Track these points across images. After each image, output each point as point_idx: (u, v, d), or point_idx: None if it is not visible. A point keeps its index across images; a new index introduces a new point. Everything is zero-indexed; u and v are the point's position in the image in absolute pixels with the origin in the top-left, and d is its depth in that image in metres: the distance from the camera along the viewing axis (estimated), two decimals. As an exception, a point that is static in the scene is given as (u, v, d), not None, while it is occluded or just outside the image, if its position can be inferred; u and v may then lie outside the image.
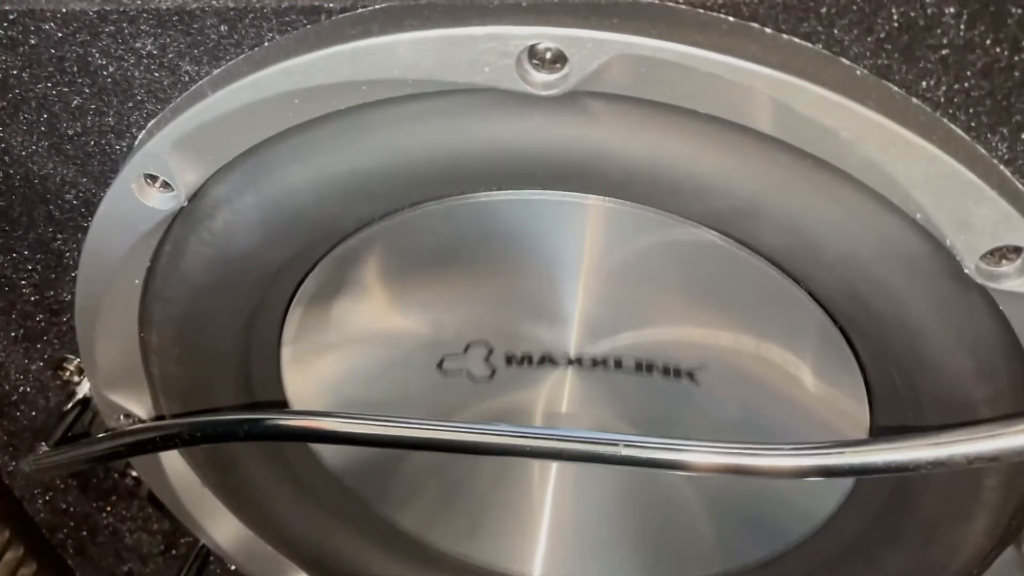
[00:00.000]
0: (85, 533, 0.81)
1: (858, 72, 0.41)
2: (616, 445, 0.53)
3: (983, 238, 0.42)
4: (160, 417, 0.64)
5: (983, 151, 0.43)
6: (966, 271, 0.44)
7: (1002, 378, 0.48)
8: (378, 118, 0.45)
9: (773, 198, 0.43)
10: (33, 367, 0.68)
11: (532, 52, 0.41)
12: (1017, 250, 0.43)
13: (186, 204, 0.51)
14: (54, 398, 0.69)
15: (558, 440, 0.55)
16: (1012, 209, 0.41)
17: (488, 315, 0.62)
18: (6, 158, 0.54)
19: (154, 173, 0.49)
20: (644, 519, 0.67)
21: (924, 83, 0.41)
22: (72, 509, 0.79)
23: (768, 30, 0.41)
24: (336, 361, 0.65)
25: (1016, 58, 0.39)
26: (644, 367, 0.63)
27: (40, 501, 0.77)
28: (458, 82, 0.42)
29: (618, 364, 0.63)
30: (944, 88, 0.41)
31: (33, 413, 0.70)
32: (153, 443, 0.60)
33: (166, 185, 0.50)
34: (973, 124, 0.42)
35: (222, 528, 0.74)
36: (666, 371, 0.62)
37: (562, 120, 0.43)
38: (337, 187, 0.48)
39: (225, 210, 0.50)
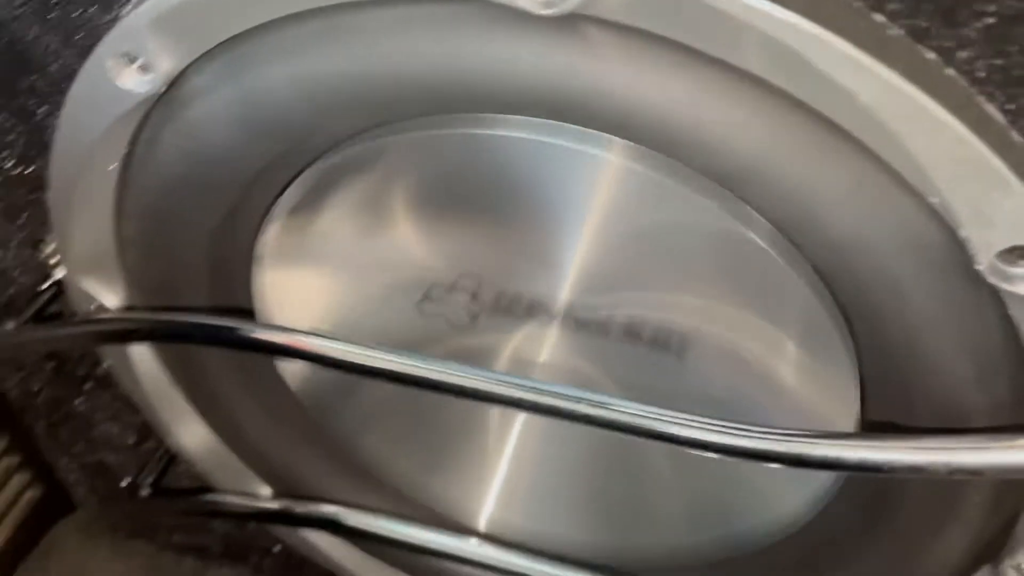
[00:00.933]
0: (56, 417, 0.80)
1: (890, 31, 0.37)
2: (579, 402, 0.51)
3: (1002, 233, 0.38)
4: (130, 309, 0.62)
5: (1019, 139, 0.39)
6: (977, 268, 0.40)
7: (1002, 389, 0.44)
8: (365, 22, 0.42)
9: (779, 160, 0.39)
10: (12, 241, 0.66)
11: (534, -35, 0.37)
12: (1036, 251, 0.39)
13: (164, 91, 0.48)
14: (30, 277, 0.67)
15: (526, 390, 0.53)
16: (1039, 206, 0.37)
17: (480, 254, 0.59)
18: (-10, 20, 0.51)
19: (131, 52, 0.46)
20: (608, 486, 0.64)
21: (963, 54, 0.37)
22: (44, 392, 0.78)
23: (796, -29, 0.36)
24: (310, 282, 0.62)
25: (1070, 37, 0.35)
26: (631, 335, 0.60)
27: (13, 380, 0.76)
28: (452, -11, 0.39)
29: (605, 328, 0.60)
30: (984, 62, 0.37)
31: (11, 290, 0.69)
32: (116, 335, 0.59)
33: (144, 68, 0.47)
34: (1011, 107, 0.38)
35: (190, 431, 0.73)
36: (653, 342, 0.59)
37: (560, 44, 0.39)
38: (318, 92, 0.45)
39: (202, 101, 0.47)
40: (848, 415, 0.53)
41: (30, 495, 0.85)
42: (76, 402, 0.79)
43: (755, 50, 0.36)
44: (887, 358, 0.48)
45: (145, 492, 0.75)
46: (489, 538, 0.70)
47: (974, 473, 0.41)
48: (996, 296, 0.42)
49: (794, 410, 0.57)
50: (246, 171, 0.51)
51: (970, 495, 0.50)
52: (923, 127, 0.36)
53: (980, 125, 0.37)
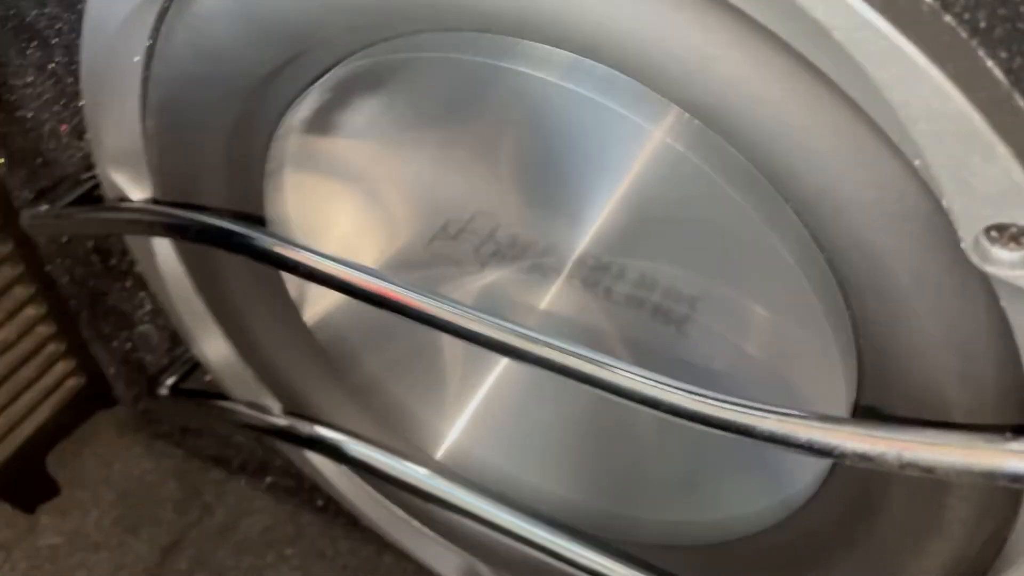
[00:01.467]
0: (100, 309, 0.83)
1: (881, -33, 0.33)
2: (565, 353, 0.49)
3: (985, 207, 0.34)
4: (154, 203, 0.64)
5: (1022, 103, 0.34)
6: (962, 245, 0.36)
7: (987, 388, 0.40)
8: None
9: (745, 99, 0.36)
10: (64, 129, 0.69)
11: None
12: (1026, 233, 0.35)
13: (179, -16, 0.49)
14: (77, 167, 0.70)
15: (522, 338, 0.51)
16: (1026, 179, 0.33)
17: (502, 195, 0.59)
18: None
19: (145, -60, 0.47)
20: (576, 437, 0.62)
21: (962, 1, 0.33)
22: (90, 283, 0.81)
23: None
24: (322, 201, 0.63)
25: (1079, -15, 0.31)
26: (636, 301, 0.58)
27: (62, 268, 0.80)
28: None
29: (610, 290, 0.58)
30: (985, 12, 0.33)
31: (58, 177, 0.72)
32: (131, 225, 0.61)
33: (157, -44, 0.48)
34: (1015, 65, 0.34)
35: (210, 340, 0.75)
36: (656, 311, 0.57)
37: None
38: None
39: (207, -5, 0.48)
40: (840, 400, 0.50)
41: (72, 382, 0.89)
42: (118, 297, 0.82)
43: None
44: (876, 341, 0.44)
45: (163, 392, 0.77)
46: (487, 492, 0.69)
47: (926, 470, 0.37)
48: (988, 284, 0.38)
49: (786, 390, 0.54)
50: (252, 74, 0.51)
51: (953, 506, 0.46)
52: (899, 73, 0.33)
53: (972, 80, 0.33)
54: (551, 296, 0.61)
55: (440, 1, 0.41)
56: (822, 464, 0.53)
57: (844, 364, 0.48)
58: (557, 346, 0.50)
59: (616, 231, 0.56)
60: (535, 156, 0.55)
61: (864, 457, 0.38)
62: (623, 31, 0.37)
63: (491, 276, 0.63)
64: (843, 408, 0.50)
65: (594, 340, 0.61)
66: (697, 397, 0.43)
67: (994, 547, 0.47)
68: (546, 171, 0.56)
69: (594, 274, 0.59)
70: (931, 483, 0.45)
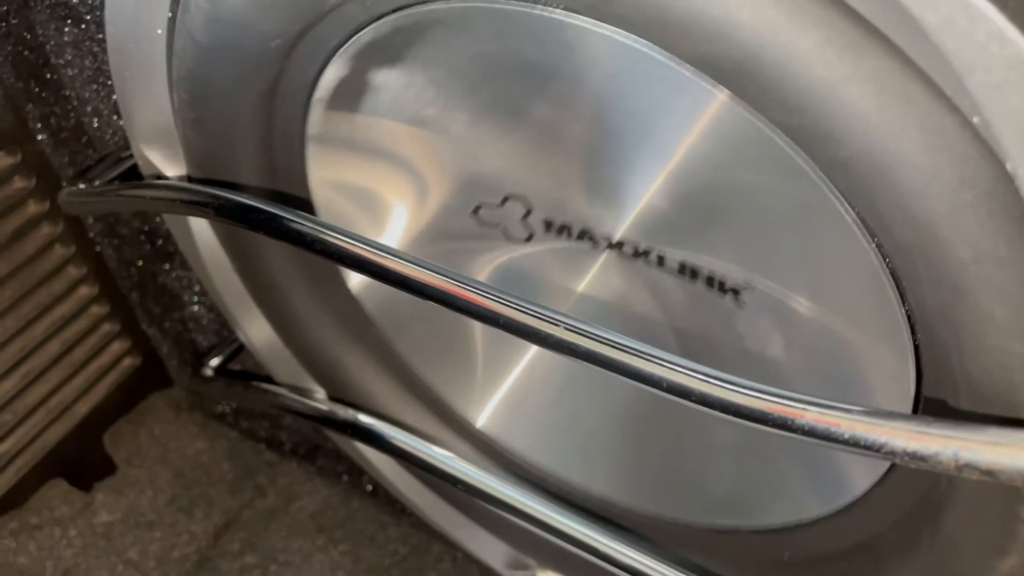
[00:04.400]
0: (151, 291, 0.83)
1: None
2: (584, 336, 0.45)
3: (1057, 170, 0.30)
4: (188, 180, 0.63)
5: (1103, 49, 0.29)
6: (1030, 216, 0.31)
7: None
8: None
9: (776, 49, 0.32)
10: (102, 106, 0.68)
11: None
12: (1110, 201, 0.30)
13: (192, -51, 0.47)
14: (117, 143, 0.70)
15: (561, 326, 0.47)
16: (1109, 136, 0.28)
17: (541, 168, 0.55)
18: None
19: (155, -96, 0.46)
20: (617, 419, 0.59)
21: (1031, -74, 0.28)
22: (140, 264, 0.81)
23: None
24: (365, 171, 0.60)
25: None
26: (688, 271, 0.54)
27: (111, 248, 0.80)
28: None
29: (661, 261, 0.55)
30: (1059, -61, 0.28)
31: (99, 155, 0.72)
32: (157, 202, 0.60)
33: (168, -80, 0.46)
34: (1095, 4, 0.29)
35: (253, 323, 0.74)
36: (710, 282, 0.53)
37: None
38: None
39: (217, -40, 0.46)
40: (903, 396, 0.45)
41: (128, 362, 0.89)
42: (168, 278, 0.82)
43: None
44: (935, 329, 0.39)
45: (208, 372, 0.77)
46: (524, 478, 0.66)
47: (987, 473, 0.32)
48: (1064, 260, 0.33)
49: (845, 385, 0.49)
50: (270, 43, 0.49)
51: (1022, 513, 0.41)
52: (950, 13, 0.28)
53: (1041, 23, 0.28)
54: (596, 274, 0.58)
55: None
56: (877, 462, 0.48)
57: (901, 356, 0.44)
58: (579, 329, 0.47)
59: (668, 206, 0.52)
60: (571, 126, 0.51)
61: (916, 456, 0.34)
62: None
63: (531, 250, 0.60)
64: (905, 405, 0.45)
65: (643, 322, 0.57)
66: (728, 386, 0.39)
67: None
68: (589, 144, 0.52)
69: (642, 246, 0.55)
70: (1004, 488, 0.40)
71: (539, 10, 0.41)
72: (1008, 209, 0.32)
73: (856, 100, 0.32)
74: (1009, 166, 0.31)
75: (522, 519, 0.59)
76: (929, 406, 0.44)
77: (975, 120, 0.30)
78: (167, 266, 0.81)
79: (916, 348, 0.43)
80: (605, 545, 0.55)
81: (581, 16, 0.41)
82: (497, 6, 0.43)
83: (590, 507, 0.60)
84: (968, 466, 0.33)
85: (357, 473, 0.88)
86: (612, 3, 0.35)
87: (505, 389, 0.66)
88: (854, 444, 0.35)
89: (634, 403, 0.60)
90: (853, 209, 0.39)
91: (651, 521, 0.63)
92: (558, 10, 0.41)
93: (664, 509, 0.62)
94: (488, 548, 0.78)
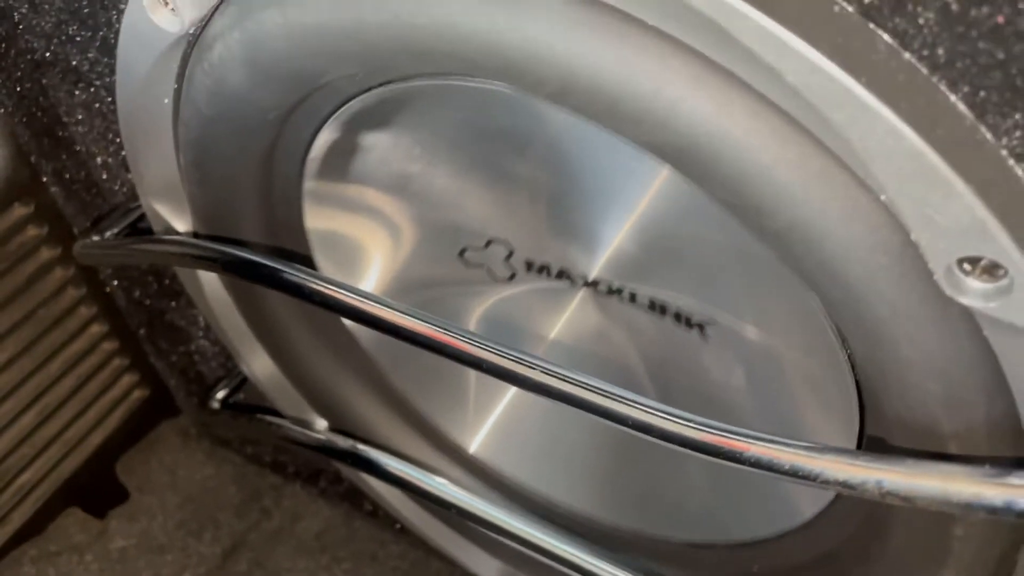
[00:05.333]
0: (158, 327, 0.88)
1: (836, 8, 0.34)
2: (558, 378, 0.50)
3: (951, 241, 0.34)
4: (194, 236, 0.68)
5: (988, 137, 0.34)
6: (934, 277, 0.36)
7: (978, 414, 0.40)
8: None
9: (712, 138, 0.37)
10: (111, 160, 0.73)
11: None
12: (998, 266, 0.35)
13: (198, 33, 0.52)
14: (125, 196, 0.74)
15: (538, 370, 0.52)
16: (990, 215, 0.33)
17: (520, 217, 0.60)
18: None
19: (162, -6, 0.50)
20: (600, 440, 0.64)
21: (920, 37, 0.33)
22: (147, 302, 0.86)
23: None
24: (358, 224, 0.65)
25: (1028, 23, 0.31)
26: (658, 307, 0.59)
27: (120, 289, 0.85)
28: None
29: (632, 297, 0.60)
30: (944, 47, 0.33)
31: (107, 207, 0.77)
32: (168, 256, 0.64)
33: (173, 10, 0.51)
34: (979, 99, 0.34)
35: (255, 358, 0.78)
36: (677, 317, 0.58)
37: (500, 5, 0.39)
38: (308, 39, 0.46)
39: (219, 44, 0.51)
40: (846, 429, 0.50)
41: (137, 394, 0.94)
42: (174, 315, 0.87)
43: (681, 19, 0.34)
44: (867, 372, 0.44)
45: (215, 405, 0.81)
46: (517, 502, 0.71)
47: (905, 500, 0.37)
48: (967, 312, 0.37)
49: (797, 421, 0.54)
50: (266, 113, 0.54)
51: (952, 529, 0.46)
52: (853, 114, 0.33)
53: (932, 117, 0.33)
54: (572, 313, 0.63)
55: (418, 51, 0.42)
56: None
57: (848, 394, 0.48)
58: (554, 372, 0.51)
59: (636, 249, 0.57)
60: (546, 184, 0.56)
61: (846, 484, 0.39)
62: (590, 76, 0.38)
63: (511, 293, 0.65)
64: (851, 438, 0.50)
65: (618, 354, 0.62)
66: (684, 423, 0.43)
67: (1006, 567, 0.47)
68: (559, 199, 0.57)
69: (615, 285, 0.60)
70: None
71: (510, 90, 0.46)
72: (917, 270, 0.37)
73: (783, 181, 0.37)
74: (913, 236, 0.35)
75: (511, 540, 0.64)
76: (871, 443, 0.49)
77: (883, 197, 0.35)
78: (173, 303, 0.86)
79: (859, 388, 0.48)
80: (587, 562, 0.60)
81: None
82: (471, 84, 0.48)
83: (575, 525, 0.65)
84: (890, 493, 0.38)
85: (358, 495, 0.92)
86: (566, 96, 0.40)
87: (494, 418, 0.71)
88: (793, 474, 0.40)
89: (612, 428, 0.65)
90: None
91: (632, 537, 0.68)
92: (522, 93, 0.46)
93: (643, 525, 0.67)
94: (483, 564, 0.83)
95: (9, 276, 0.79)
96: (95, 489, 0.94)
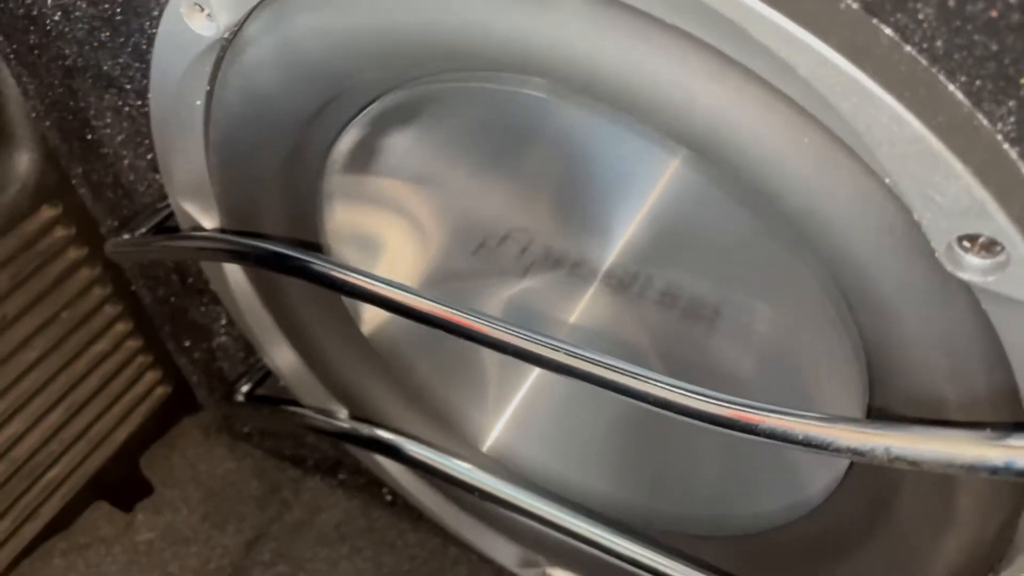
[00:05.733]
0: (181, 324, 0.91)
1: (842, 5, 0.36)
2: (581, 359, 0.53)
3: (951, 220, 0.37)
4: (221, 231, 0.70)
5: (984, 122, 0.37)
6: (936, 256, 0.39)
7: (979, 384, 0.43)
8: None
9: (729, 128, 0.40)
10: (139, 162, 0.76)
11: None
12: (996, 243, 0.37)
13: (231, 38, 0.55)
14: (153, 196, 0.77)
15: (562, 352, 0.55)
16: (987, 195, 0.36)
17: (536, 211, 0.63)
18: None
19: (199, 2, 0.53)
20: (613, 435, 0.66)
21: (920, 31, 0.36)
22: (171, 300, 0.88)
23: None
24: (373, 223, 0.68)
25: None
26: (669, 298, 0.61)
27: (145, 287, 0.87)
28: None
29: (644, 288, 0.62)
30: (943, 40, 0.36)
31: (136, 206, 0.79)
32: (200, 252, 0.67)
33: (209, 16, 0.53)
34: (975, 88, 0.36)
35: (278, 351, 0.81)
36: (688, 307, 0.61)
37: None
38: (343, 41, 0.49)
39: (253, 48, 0.53)
40: (857, 403, 0.53)
41: (160, 391, 0.97)
42: (197, 312, 0.89)
43: (699, 18, 0.37)
44: (876, 346, 0.47)
45: (239, 398, 0.84)
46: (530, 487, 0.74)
47: (912, 464, 0.40)
48: (967, 287, 0.40)
49: (807, 394, 0.57)
50: (297, 114, 0.56)
51: (962, 498, 0.48)
52: (859, 103, 0.36)
53: (933, 105, 0.36)
54: (585, 301, 0.66)
55: (448, 48, 0.45)
56: (839, 464, 0.56)
57: (856, 369, 0.51)
58: (576, 353, 0.54)
59: (647, 241, 0.60)
60: (562, 179, 0.59)
61: (856, 452, 0.42)
62: (615, 71, 0.41)
63: (529, 283, 0.67)
64: (859, 411, 0.53)
65: (628, 343, 0.65)
66: (702, 398, 0.46)
67: (1007, 533, 0.50)
68: (574, 192, 0.60)
69: (627, 276, 0.63)
70: (939, 477, 0.47)
71: (526, 90, 0.49)
72: (920, 248, 0.39)
73: (795, 167, 0.39)
74: (916, 216, 0.38)
75: (534, 520, 0.66)
76: (878, 414, 0.51)
77: (887, 180, 0.38)
78: (196, 301, 0.88)
79: (867, 362, 0.51)
80: (609, 540, 0.63)
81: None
82: (489, 86, 0.50)
83: (590, 502, 0.68)
84: (898, 459, 0.40)
85: (376, 485, 0.95)
86: (593, 89, 0.42)
87: (512, 408, 0.73)
88: (807, 443, 0.43)
89: (628, 423, 0.67)
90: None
91: (644, 526, 0.70)
92: (540, 93, 0.48)
93: (657, 510, 0.69)
94: (500, 549, 0.85)
95: (37, 276, 0.82)
96: (121, 484, 0.96)
